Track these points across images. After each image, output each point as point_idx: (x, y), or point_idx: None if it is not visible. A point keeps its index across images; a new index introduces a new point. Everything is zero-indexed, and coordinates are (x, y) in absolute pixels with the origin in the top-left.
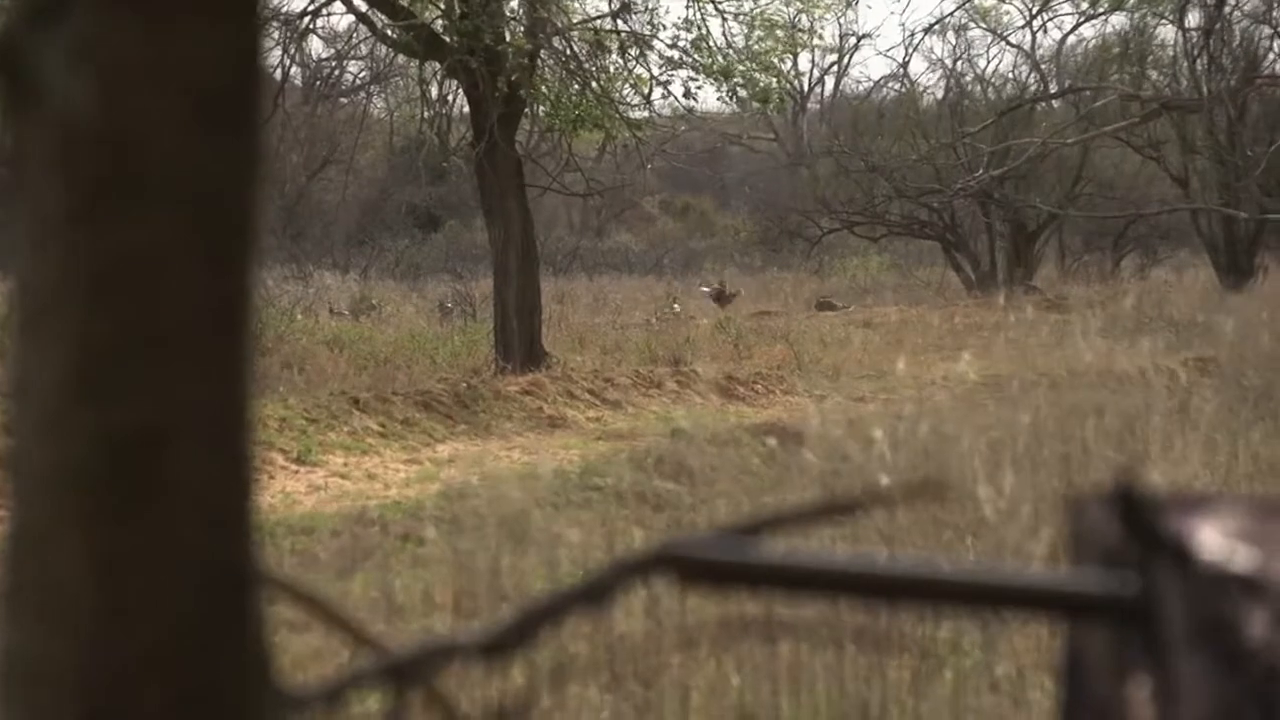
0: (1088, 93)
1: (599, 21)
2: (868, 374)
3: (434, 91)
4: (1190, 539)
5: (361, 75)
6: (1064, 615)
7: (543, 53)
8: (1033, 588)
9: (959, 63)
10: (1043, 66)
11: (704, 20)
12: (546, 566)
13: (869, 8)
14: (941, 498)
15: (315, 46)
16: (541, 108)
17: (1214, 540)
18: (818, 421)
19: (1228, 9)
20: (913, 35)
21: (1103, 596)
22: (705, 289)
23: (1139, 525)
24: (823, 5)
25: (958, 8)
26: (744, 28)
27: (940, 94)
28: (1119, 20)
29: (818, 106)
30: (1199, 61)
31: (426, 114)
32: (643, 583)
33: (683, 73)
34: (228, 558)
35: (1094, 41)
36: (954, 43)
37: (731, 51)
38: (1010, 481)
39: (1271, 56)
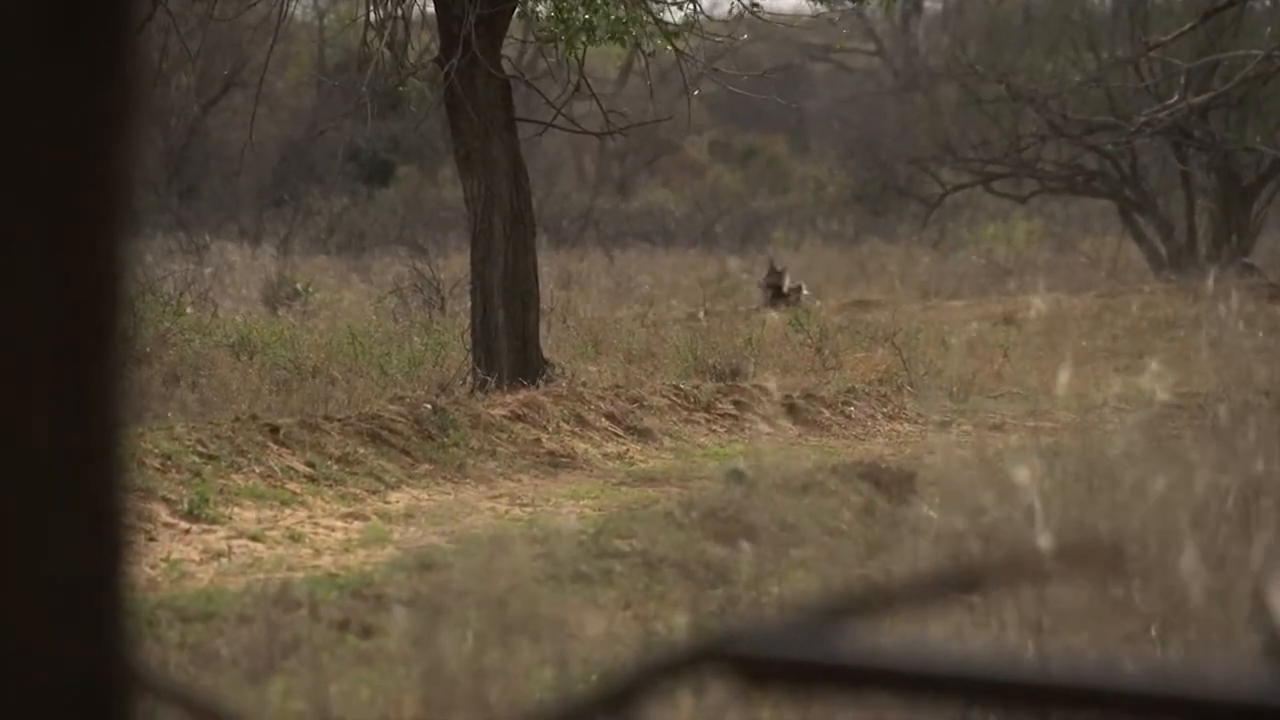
0: None
1: None
2: (1009, 391)
3: None
4: None
5: None
6: None
7: None
8: (1247, 702)
9: None
10: None
11: None
12: (550, 667)
13: None
14: (1118, 570)
15: None
16: (540, 6)
17: None
18: (937, 459)
19: None
20: None
21: None
22: (759, 283)
23: None
24: None
25: None
26: None
27: None
28: None
29: (938, 4)
30: None
31: (373, 16)
32: (687, 688)
33: None
34: (89, 655)
35: None
36: None
37: None
38: (1221, 548)
39: None
